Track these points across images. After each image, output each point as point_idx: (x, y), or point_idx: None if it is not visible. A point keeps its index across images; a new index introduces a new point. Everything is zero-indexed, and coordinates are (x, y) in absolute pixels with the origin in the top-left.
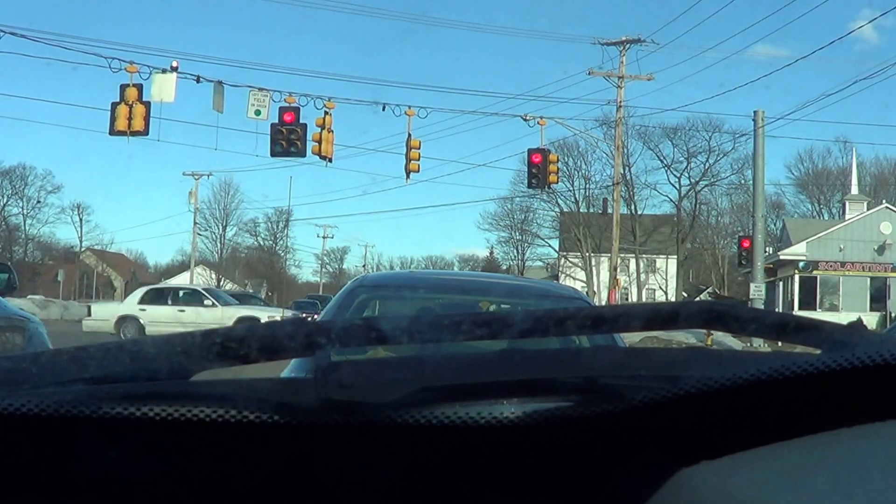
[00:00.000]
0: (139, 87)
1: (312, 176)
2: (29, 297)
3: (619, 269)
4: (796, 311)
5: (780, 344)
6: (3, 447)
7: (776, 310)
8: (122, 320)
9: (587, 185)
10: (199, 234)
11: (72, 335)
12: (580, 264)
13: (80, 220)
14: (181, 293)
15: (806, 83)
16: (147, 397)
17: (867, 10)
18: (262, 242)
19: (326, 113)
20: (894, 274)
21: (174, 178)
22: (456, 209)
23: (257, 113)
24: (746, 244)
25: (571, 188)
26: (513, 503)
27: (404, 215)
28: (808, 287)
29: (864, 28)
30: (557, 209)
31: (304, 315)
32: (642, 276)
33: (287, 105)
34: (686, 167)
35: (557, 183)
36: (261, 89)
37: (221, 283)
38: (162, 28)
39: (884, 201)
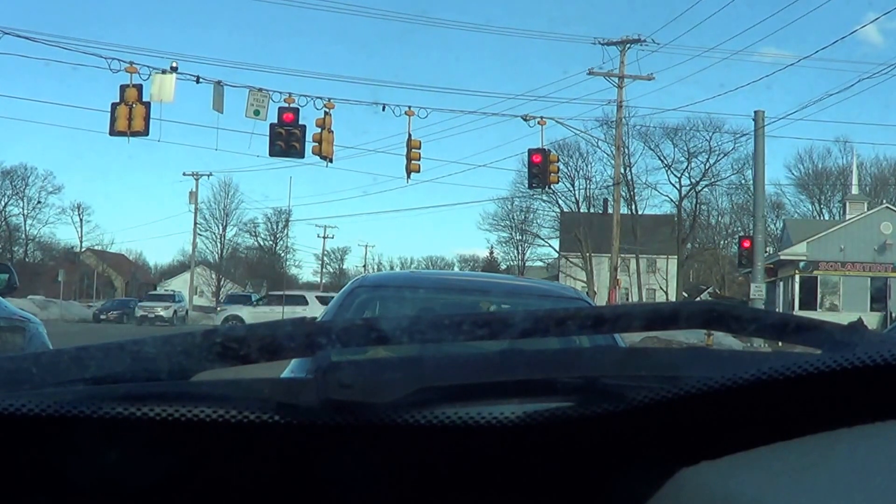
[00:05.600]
0: (139, 88)
1: (312, 176)
2: (29, 297)
3: (619, 269)
4: (797, 312)
5: (780, 344)
6: (3, 447)
7: (776, 310)
8: None
9: (587, 186)
10: (199, 234)
11: (72, 335)
12: (580, 264)
13: (81, 220)
14: None
15: (806, 84)
16: (147, 397)
17: (870, 13)
18: (261, 243)
19: (326, 113)
20: (894, 274)
21: (174, 179)
22: (456, 209)
23: (256, 113)
24: (747, 244)
25: (572, 188)
26: (513, 503)
27: (404, 215)
28: (809, 287)
29: (868, 31)
30: (558, 209)
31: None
32: (642, 276)
33: (286, 105)
34: (686, 167)
35: (558, 183)
36: (260, 90)
37: (222, 283)
38: (161, 29)
39: (884, 201)
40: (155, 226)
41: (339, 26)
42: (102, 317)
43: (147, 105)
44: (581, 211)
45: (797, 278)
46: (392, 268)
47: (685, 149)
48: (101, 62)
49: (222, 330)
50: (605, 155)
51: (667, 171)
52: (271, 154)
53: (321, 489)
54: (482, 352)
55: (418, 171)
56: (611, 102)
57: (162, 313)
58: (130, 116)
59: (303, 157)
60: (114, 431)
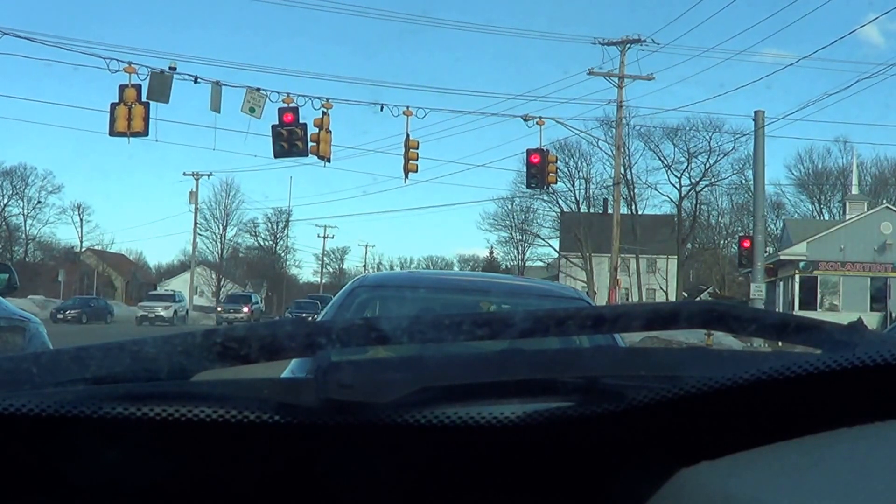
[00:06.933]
0: (137, 88)
1: (312, 176)
2: (29, 297)
3: (619, 269)
4: (796, 311)
5: (780, 344)
6: (3, 447)
7: (776, 310)
8: None
9: (587, 185)
10: (199, 234)
11: (72, 335)
12: (580, 264)
13: (81, 220)
14: None
15: (806, 84)
16: (147, 397)
17: (871, 13)
18: (262, 243)
19: (324, 113)
20: (894, 274)
21: (174, 179)
22: (456, 209)
23: (252, 110)
24: (747, 244)
25: (572, 188)
26: (513, 503)
27: (404, 215)
28: (809, 287)
29: (869, 31)
30: (558, 209)
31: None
32: (642, 276)
33: (285, 106)
34: (686, 167)
35: (556, 183)
36: (258, 89)
37: (222, 283)
38: (160, 29)
39: (884, 201)
40: (155, 226)
41: (339, 26)
42: (60, 316)
43: (146, 105)
44: (581, 211)
45: (797, 278)
46: (392, 268)
47: (685, 149)
48: (100, 62)
49: (222, 330)
50: (606, 155)
51: (667, 171)
52: (276, 155)
53: (321, 489)
54: (482, 352)
55: (416, 171)
56: (611, 102)
57: (162, 313)
58: (130, 117)
59: (307, 155)
60: (114, 431)
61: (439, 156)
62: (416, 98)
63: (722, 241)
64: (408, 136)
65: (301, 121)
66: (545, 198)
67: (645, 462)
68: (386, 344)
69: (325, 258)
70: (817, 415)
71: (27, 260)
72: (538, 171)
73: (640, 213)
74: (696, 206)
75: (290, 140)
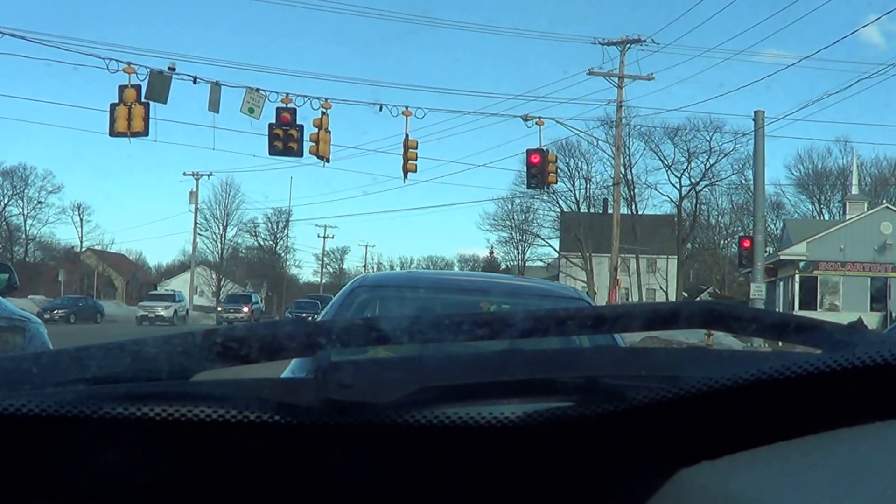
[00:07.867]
0: (137, 88)
1: (312, 176)
2: (30, 297)
3: (619, 269)
4: (797, 311)
5: (780, 344)
6: (3, 447)
7: (776, 310)
8: None
9: (588, 185)
10: (199, 234)
11: (72, 334)
12: (580, 264)
13: (81, 220)
14: None
15: (806, 84)
16: (147, 397)
17: (871, 14)
18: (262, 243)
19: (323, 113)
20: (894, 274)
21: (174, 179)
22: (456, 209)
23: (251, 111)
24: (747, 244)
25: (572, 188)
26: (513, 503)
27: (404, 215)
28: (809, 287)
29: (869, 32)
30: (558, 209)
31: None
32: (642, 276)
33: (283, 106)
34: (686, 167)
35: (556, 183)
36: (257, 90)
37: (222, 283)
38: (160, 29)
39: (884, 201)
40: (155, 226)
41: (339, 26)
42: (47, 316)
43: (146, 105)
44: (581, 211)
45: (797, 278)
46: (392, 268)
47: (685, 149)
48: (100, 62)
49: (222, 330)
50: (606, 155)
51: (667, 171)
52: (271, 153)
53: (321, 489)
54: (482, 352)
55: (415, 171)
56: (611, 102)
57: (162, 313)
58: (130, 117)
59: (301, 156)
60: (114, 431)
61: (439, 156)
62: (416, 98)
63: (722, 241)
64: (407, 136)
65: (300, 121)
66: (545, 198)
67: (645, 462)
68: (386, 344)
69: (325, 258)
70: (817, 415)
71: (27, 260)
72: (538, 171)
73: (640, 213)
74: (696, 206)
75: (286, 141)
